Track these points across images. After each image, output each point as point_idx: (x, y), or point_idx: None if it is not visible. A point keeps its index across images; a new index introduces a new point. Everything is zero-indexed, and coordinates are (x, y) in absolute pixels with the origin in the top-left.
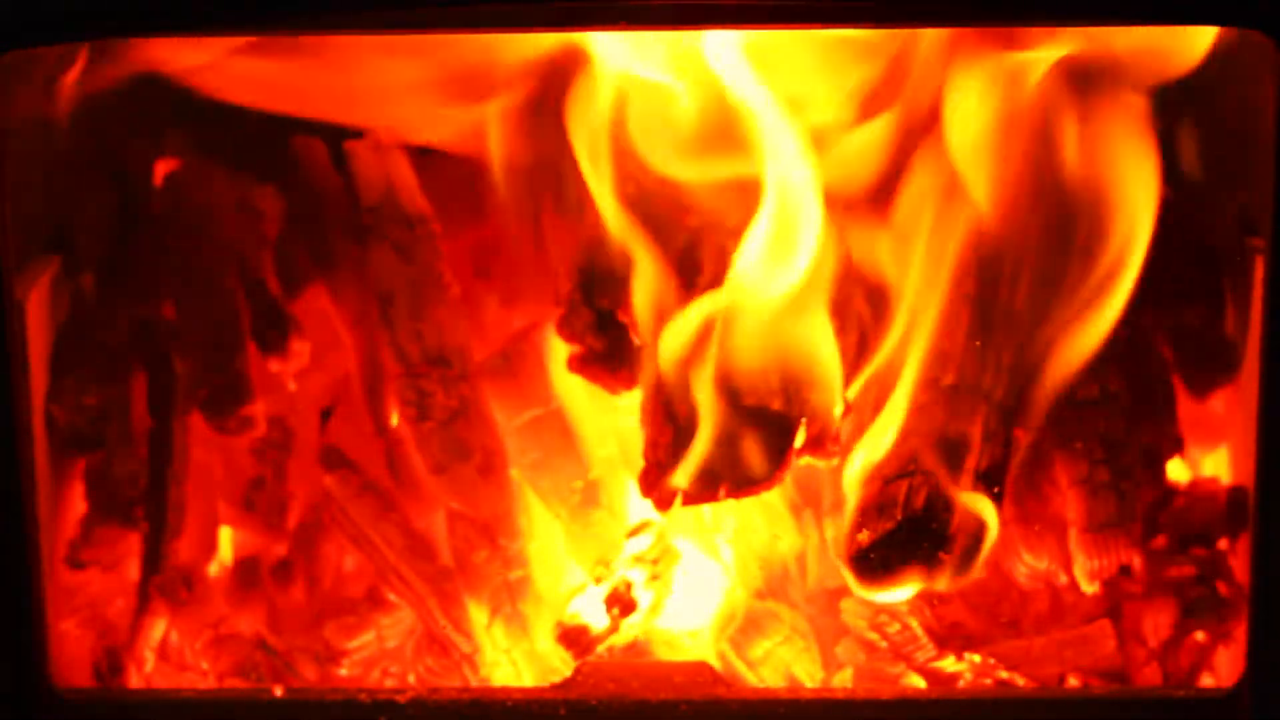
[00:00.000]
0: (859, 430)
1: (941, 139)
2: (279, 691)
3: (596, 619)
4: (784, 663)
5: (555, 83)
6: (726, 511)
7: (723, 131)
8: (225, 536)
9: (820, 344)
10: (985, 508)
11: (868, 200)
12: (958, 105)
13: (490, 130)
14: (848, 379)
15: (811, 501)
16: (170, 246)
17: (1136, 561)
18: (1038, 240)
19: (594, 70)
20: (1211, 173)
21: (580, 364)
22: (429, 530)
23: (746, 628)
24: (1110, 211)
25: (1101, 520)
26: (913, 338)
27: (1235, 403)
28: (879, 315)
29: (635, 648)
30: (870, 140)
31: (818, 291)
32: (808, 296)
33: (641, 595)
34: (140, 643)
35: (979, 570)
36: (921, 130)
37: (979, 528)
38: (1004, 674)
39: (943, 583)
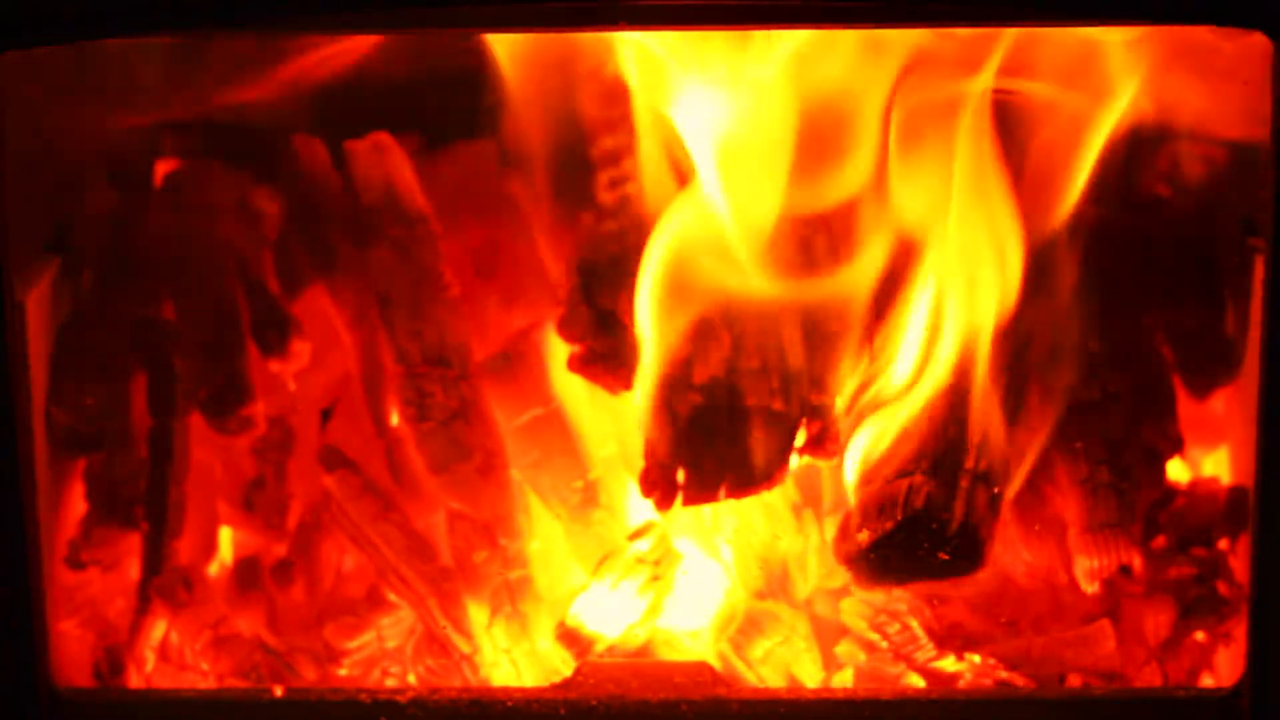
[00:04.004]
0: (859, 430)
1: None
2: (279, 691)
3: (597, 619)
4: (784, 663)
5: None
6: (726, 512)
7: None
8: (225, 536)
9: (822, 343)
10: (985, 508)
11: (867, 198)
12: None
13: None
14: (848, 379)
15: (812, 501)
16: (170, 246)
17: (1136, 561)
18: (1034, 241)
19: None
20: (1212, 174)
21: (580, 364)
22: (429, 530)
23: (746, 628)
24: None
25: (1101, 520)
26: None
27: (1235, 403)
28: (879, 314)
29: (635, 648)
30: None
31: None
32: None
33: (642, 596)
34: (140, 643)
35: (983, 571)
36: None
37: (979, 529)
38: (1004, 674)
39: (942, 583)
